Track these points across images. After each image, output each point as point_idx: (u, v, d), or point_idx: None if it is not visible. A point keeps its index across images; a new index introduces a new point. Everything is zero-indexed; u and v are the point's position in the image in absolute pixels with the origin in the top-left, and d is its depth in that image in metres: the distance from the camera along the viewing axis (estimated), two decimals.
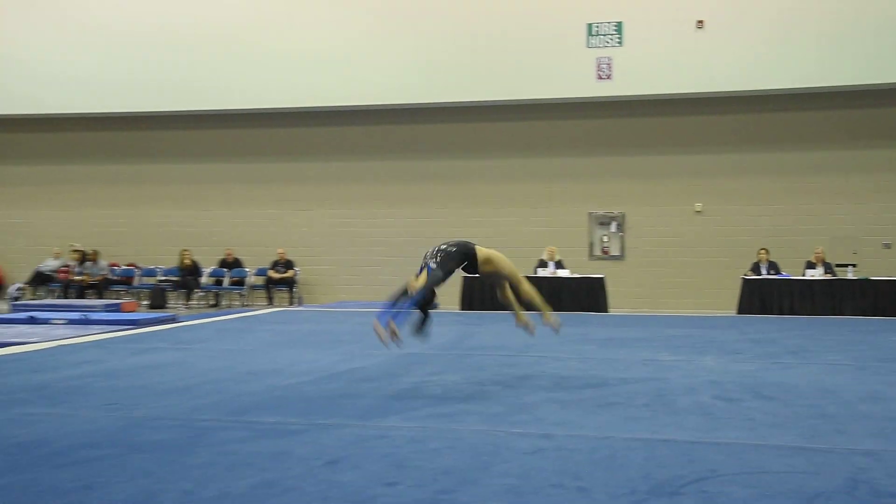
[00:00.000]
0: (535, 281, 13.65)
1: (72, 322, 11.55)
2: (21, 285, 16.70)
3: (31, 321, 11.74)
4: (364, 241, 16.33)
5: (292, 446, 3.89)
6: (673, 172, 15.44)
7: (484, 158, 15.92)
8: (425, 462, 3.61)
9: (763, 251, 13.71)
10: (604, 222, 15.76)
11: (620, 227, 15.66)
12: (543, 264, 14.09)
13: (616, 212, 15.64)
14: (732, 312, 13.26)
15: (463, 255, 6.01)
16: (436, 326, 10.32)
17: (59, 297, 16.18)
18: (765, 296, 13.10)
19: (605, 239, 15.75)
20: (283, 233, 16.58)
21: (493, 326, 10.46)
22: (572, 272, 14.00)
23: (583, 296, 13.52)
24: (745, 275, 13.46)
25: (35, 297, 16.46)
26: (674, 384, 5.85)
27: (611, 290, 13.74)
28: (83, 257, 16.70)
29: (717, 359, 7.30)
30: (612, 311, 13.50)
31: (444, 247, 5.99)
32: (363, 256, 16.34)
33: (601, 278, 13.70)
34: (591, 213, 15.72)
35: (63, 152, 17.54)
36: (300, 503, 3.00)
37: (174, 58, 16.10)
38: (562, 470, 3.48)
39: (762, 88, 14.38)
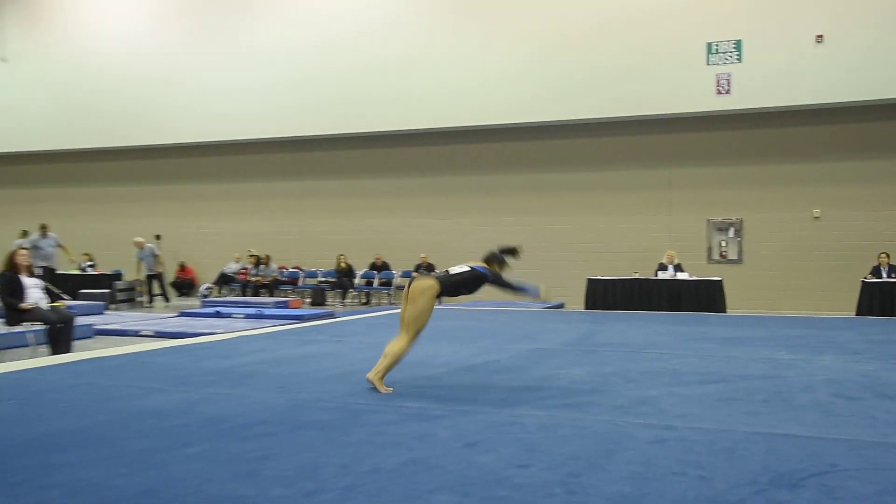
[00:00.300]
0: (656, 284, 13.33)
1: (248, 316, 12.09)
2: (209, 285, 17.57)
3: (217, 315, 12.37)
4: (494, 245, 16.34)
5: (435, 429, 3.93)
6: (791, 180, 14.71)
7: (606, 170, 15.65)
8: (554, 447, 3.58)
9: (884, 255, 12.86)
10: (722, 228, 15.19)
11: (738, 233, 15.05)
12: (663, 267, 13.70)
13: (734, 218, 15.04)
14: (851, 315, 12.50)
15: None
16: (562, 324, 10.27)
17: (238, 295, 16.94)
18: (885, 298, 12.26)
19: (723, 244, 15.17)
20: (425, 239, 16.79)
21: (616, 325, 10.24)
22: (691, 275, 13.56)
23: (701, 297, 13.06)
24: (865, 278, 12.67)
25: (220, 294, 17.27)
26: (792, 382, 5.56)
27: (729, 291, 13.20)
28: (258, 261, 17.42)
29: (836, 358, 6.87)
30: (730, 312, 12.99)
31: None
32: None
33: (719, 281, 13.19)
34: (709, 220, 15.18)
35: (242, 172, 18.38)
36: (443, 480, 3.03)
37: (331, 86, 16.61)
38: (683, 459, 3.37)
39: (879, 98, 13.53)
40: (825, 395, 5.00)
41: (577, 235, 15.79)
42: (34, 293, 7.88)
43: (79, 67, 19.33)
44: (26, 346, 8.17)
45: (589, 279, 13.79)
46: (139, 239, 16.40)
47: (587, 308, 13.49)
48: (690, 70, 14.35)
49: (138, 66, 18.63)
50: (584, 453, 3.46)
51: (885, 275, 12.66)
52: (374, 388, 5.04)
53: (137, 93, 18.58)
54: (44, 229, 15.19)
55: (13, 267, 7.84)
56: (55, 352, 7.68)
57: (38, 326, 7.96)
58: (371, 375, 5.14)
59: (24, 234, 16.51)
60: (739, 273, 14.69)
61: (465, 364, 6.44)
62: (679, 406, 4.62)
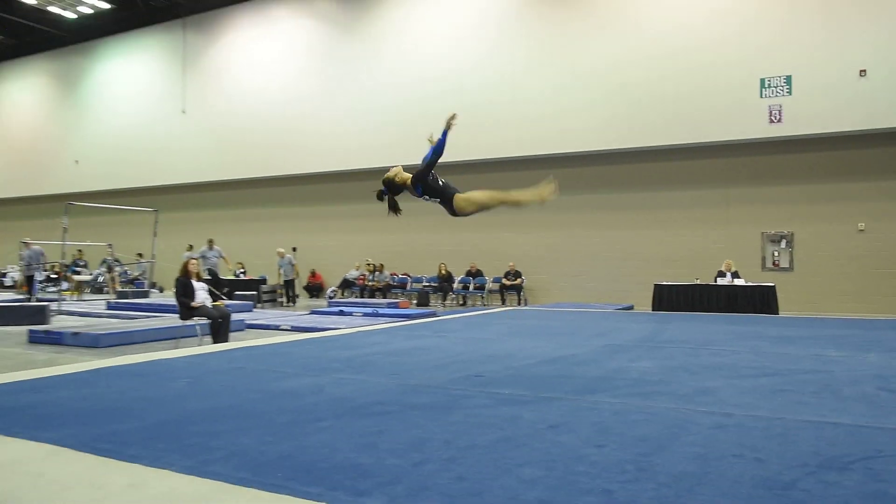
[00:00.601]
0: (715, 288, 12.86)
1: (366, 315, 12.32)
2: (334, 289, 18.02)
3: (341, 313, 12.65)
4: (573, 256, 16.15)
5: (522, 412, 3.90)
6: (837, 197, 13.96)
7: (671, 190, 15.25)
8: (626, 430, 3.49)
9: None
10: (774, 240, 14.54)
11: (790, 244, 14.37)
12: (722, 274, 13.20)
13: (786, 231, 14.38)
14: (894, 317, 11.72)
15: (442, 194, 5.21)
16: (632, 323, 10.03)
17: (357, 297, 17.28)
18: None
19: (776, 254, 14.51)
20: (513, 250, 16.74)
21: (679, 324, 9.92)
22: (747, 281, 13.01)
23: (756, 301, 12.52)
24: None
25: (342, 296, 17.69)
26: (839, 376, 5.24)
27: (781, 296, 12.60)
28: (374, 269, 17.75)
29: (881, 356, 6.44)
30: (782, 314, 12.39)
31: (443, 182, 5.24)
32: (573, 268, 16.16)
33: (772, 286, 12.61)
34: (763, 232, 14.56)
35: (360, 195, 18.71)
36: (530, 456, 3.01)
37: (431, 121, 16.77)
38: (741, 443, 3.24)
39: None
40: (871, 388, 4.70)
41: (645, 247, 15.42)
42: (201, 294, 8.26)
43: (235, 115, 20.29)
44: (195, 336, 8.59)
45: (656, 284, 13.43)
46: (280, 249, 16.97)
47: (654, 310, 13.14)
48: (745, 102, 13.90)
49: (279, 112, 19.39)
50: (652, 436, 3.37)
51: None
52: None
53: (279, 133, 19.32)
54: (210, 243, 15.93)
55: (187, 273, 8.25)
56: (216, 341, 8.02)
57: (204, 321, 8.33)
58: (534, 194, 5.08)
59: (190, 247, 17.34)
60: (791, 280, 14.04)
61: (547, 357, 6.37)
62: (737, 396, 4.44)
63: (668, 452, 3.07)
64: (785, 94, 13.59)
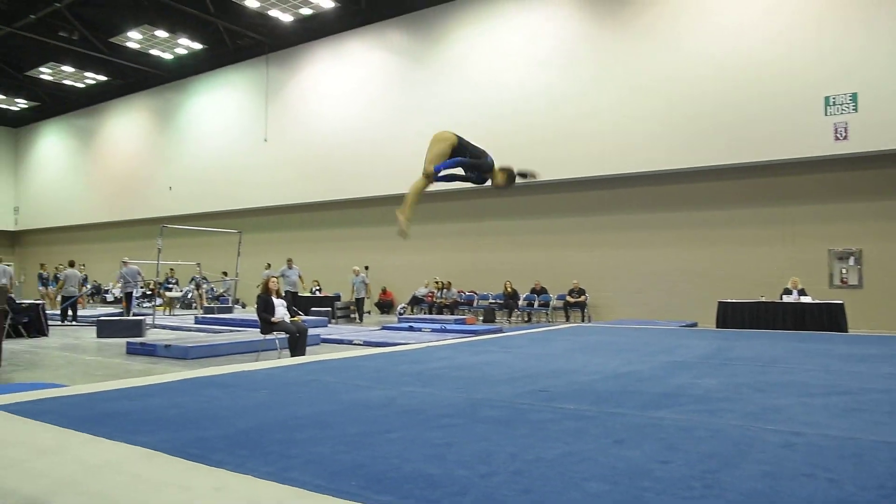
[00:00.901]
0: (781, 306, 12.31)
1: (434, 330, 12.34)
2: (404, 305, 18.16)
3: (410, 329, 12.72)
4: (636, 273, 15.78)
5: (587, 427, 3.81)
6: None
7: (733, 208, 14.74)
8: (691, 447, 3.36)
9: None
10: (842, 257, 13.83)
11: (858, 261, 13.64)
12: (788, 292, 12.64)
13: (854, 248, 13.66)
14: None
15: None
16: (696, 340, 9.69)
17: (426, 314, 17.36)
18: None
19: (844, 271, 13.79)
20: (576, 268, 16.51)
21: (745, 342, 9.52)
22: (814, 298, 12.41)
23: (824, 318, 11.91)
24: None
25: (412, 313, 17.79)
26: None
27: (850, 314, 11.96)
28: (441, 286, 17.81)
29: None
30: (852, 332, 11.74)
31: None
32: (636, 285, 15.79)
33: (841, 304, 11.99)
34: (830, 250, 13.88)
35: (431, 217, 18.94)
36: (595, 470, 2.93)
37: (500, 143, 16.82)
38: (812, 462, 3.06)
39: None
40: None
41: (709, 264, 14.93)
42: (280, 310, 8.45)
43: (312, 143, 20.87)
44: (275, 349, 8.79)
45: (720, 302, 12.98)
46: (356, 268, 17.25)
47: (718, 327, 12.68)
48: (810, 120, 13.34)
49: (353, 139, 19.83)
50: (718, 453, 3.23)
51: None
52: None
53: (352, 159, 19.74)
54: (290, 262, 16.36)
55: (267, 291, 8.47)
56: (293, 355, 8.18)
57: (283, 335, 8.52)
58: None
59: (269, 266, 17.79)
60: (860, 297, 13.31)
61: (612, 373, 6.21)
62: (807, 414, 4.21)
63: (736, 470, 2.93)
64: (850, 111, 12.99)
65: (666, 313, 15.18)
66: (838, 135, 13.08)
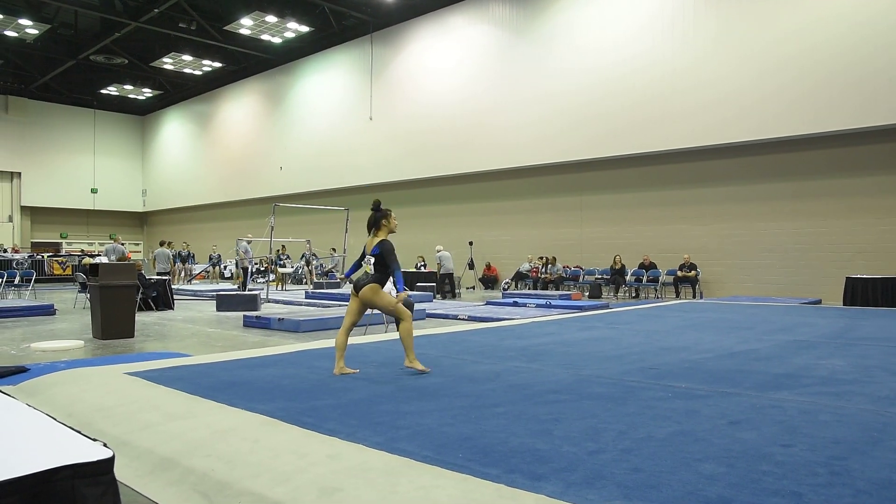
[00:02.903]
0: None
1: (539, 306, 12.28)
2: (508, 280, 18.16)
3: (514, 304, 12.71)
4: (752, 248, 14.92)
5: (700, 407, 3.69)
6: None
7: (860, 176, 13.42)
8: (816, 431, 3.17)
9: None
10: None
11: None
12: None
13: None
14: None
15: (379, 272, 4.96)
16: (819, 318, 9.08)
17: (531, 289, 17.28)
18: None
19: None
20: (688, 242, 15.84)
21: (876, 320, 8.84)
22: None
23: None
24: None
25: (516, 288, 17.76)
26: None
27: None
28: (546, 261, 17.65)
29: None
30: None
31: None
32: (751, 260, 14.95)
33: None
34: None
35: (525, 192, 18.75)
36: (709, 451, 2.83)
37: (602, 118, 16.37)
38: None
39: None
40: None
41: (833, 237, 13.87)
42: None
43: (416, 120, 21.10)
44: (381, 323, 9.05)
45: (848, 277, 12.10)
46: (439, 247, 17.47)
47: (845, 305, 11.83)
48: None
49: (457, 114, 19.87)
50: (847, 438, 3.03)
51: None
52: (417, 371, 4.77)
53: (456, 134, 19.81)
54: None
55: None
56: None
57: None
58: (406, 364, 4.83)
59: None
60: None
61: (726, 351, 5.96)
62: None
63: (867, 458, 2.74)
64: None
65: (785, 290, 14.30)
66: None
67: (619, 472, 2.54)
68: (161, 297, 12.65)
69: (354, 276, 5.20)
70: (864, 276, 12.02)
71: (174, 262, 22.25)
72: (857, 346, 6.29)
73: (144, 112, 34.53)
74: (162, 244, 19.12)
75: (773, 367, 5.12)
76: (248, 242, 18.17)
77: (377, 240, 4.92)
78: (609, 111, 16.39)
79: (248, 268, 17.46)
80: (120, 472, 2.66)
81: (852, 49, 13.02)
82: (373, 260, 4.91)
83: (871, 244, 13.41)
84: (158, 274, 16.68)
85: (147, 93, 31.28)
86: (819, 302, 12.91)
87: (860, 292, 11.79)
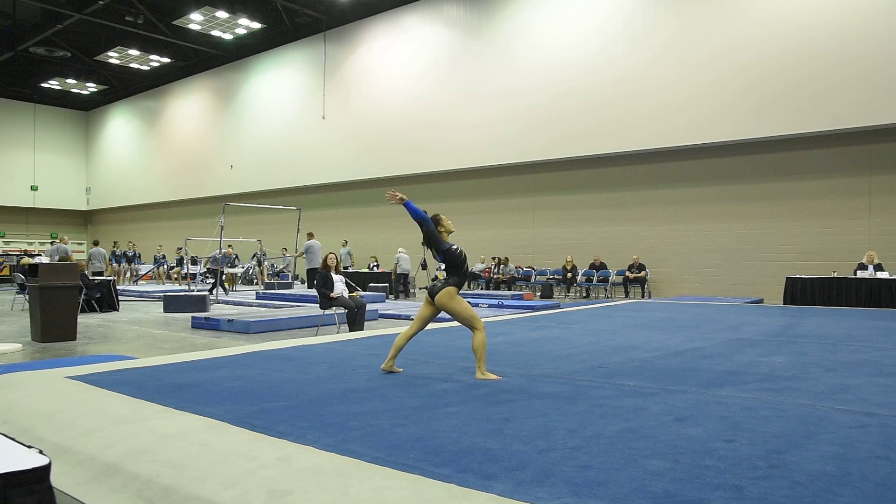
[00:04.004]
0: (854, 282, 11.82)
1: (491, 306, 12.35)
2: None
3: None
4: (698, 249, 15.35)
5: (648, 404, 3.77)
6: None
7: (803, 180, 14.07)
8: (757, 426, 3.28)
9: None
10: None
11: None
12: (863, 267, 12.09)
13: None
14: None
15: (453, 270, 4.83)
16: (762, 317, 9.40)
17: (483, 289, 17.38)
18: None
19: None
20: (637, 243, 16.18)
21: (814, 319, 9.19)
22: (891, 274, 11.84)
23: None
24: None
25: (469, 289, 17.81)
26: None
27: None
28: (499, 262, 17.78)
29: None
30: None
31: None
32: (698, 261, 15.37)
33: None
34: None
35: (482, 191, 18.86)
36: (656, 447, 2.90)
37: (554, 119, 16.59)
38: (886, 444, 2.94)
39: None
40: None
41: (775, 239, 14.37)
42: (339, 286, 8.60)
43: (370, 119, 21.00)
44: (334, 324, 8.97)
45: (788, 277, 12.55)
46: (402, 249, 17.42)
47: (785, 304, 12.27)
48: (892, 85, 12.55)
49: (411, 114, 19.84)
50: (785, 433, 3.14)
51: None
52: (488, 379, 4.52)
53: (411, 135, 19.79)
54: (344, 243, 16.61)
55: (327, 267, 8.62)
56: (352, 329, 8.33)
57: (341, 310, 8.68)
58: (478, 375, 4.58)
59: (345, 243, 18.07)
60: None
61: (673, 350, 6.11)
62: (881, 395, 4.05)
63: (804, 451, 2.85)
64: None
65: (730, 290, 14.75)
66: None
67: (568, 470, 2.58)
68: (105, 299, 12.27)
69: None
70: (803, 277, 12.48)
71: (119, 263, 21.62)
72: (796, 344, 6.53)
73: (88, 107, 33.41)
74: (96, 244, 18.65)
75: (717, 364, 5.27)
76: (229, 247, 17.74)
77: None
78: (562, 113, 16.62)
79: (223, 271, 17.09)
80: (59, 480, 2.57)
81: (796, 57, 13.52)
82: (443, 266, 4.80)
83: (809, 246, 13.95)
84: (93, 274, 16.15)
85: (91, 87, 30.29)
86: (761, 301, 13.35)
87: (799, 292, 12.23)
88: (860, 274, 11.95)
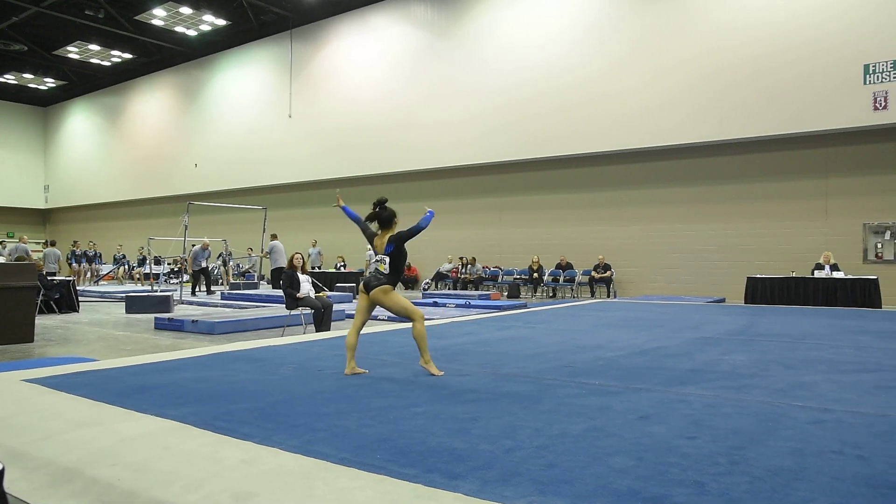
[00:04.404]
0: (812, 281, 12.13)
1: (458, 306, 12.38)
2: (428, 281, 18.22)
3: (435, 304, 12.77)
4: (662, 249, 15.60)
5: (613, 403, 3.82)
6: None
7: (764, 181, 14.40)
8: (718, 423, 3.35)
9: None
10: (878, 231, 13.49)
11: (894, 235, 13.31)
12: (820, 267, 12.42)
13: (890, 222, 13.33)
14: None
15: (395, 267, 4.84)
16: (724, 316, 9.59)
17: (451, 289, 17.40)
18: None
19: (879, 245, 13.47)
20: (603, 243, 16.37)
21: (774, 318, 9.41)
22: (846, 274, 12.20)
23: (857, 294, 11.71)
24: None
25: (436, 288, 17.85)
26: None
27: (885, 289, 11.74)
28: (466, 262, 17.81)
29: None
30: (886, 308, 11.53)
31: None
32: (662, 261, 15.63)
33: (875, 279, 11.76)
34: (865, 224, 13.55)
35: (453, 192, 18.88)
36: (620, 445, 2.94)
37: (524, 121, 16.70)
38: (841, 439, 3.03)
39: None
40: None
41: (737, 240, 14.70)
42: (305, 286, 8.53)
43: (337, 119, 20.88)
44: (300, 324, 8.89)
45: (749, 277, 12.83)
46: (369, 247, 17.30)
47: (746, 303, 12.54)
48: (848, 89, 12.94)
49: (378, 114, 19.78)
50: (745, 429, 3.22)
51: None
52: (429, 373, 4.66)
53: (377, 134, 19.72)
54: (314, 243, 16.49)
55: (293, 267, 8.54)
56: (318, 330, 8.27)
57: (308, 311, 8.61)
58: (422, 363, 4.73)
59: (315, 243, 17.90)
60: (895, 273, 13.01)
61: (637, 349, 6.19)
62: (836, 391, 4.17)
63: (763, 446, 2.92)
64: (891, 79, 12.57)
65: (693, 289, 15.02)
66: (878, 104, 12.69)
67: (534, 469, 2.60)
68: (64, 299, 11.98)
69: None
70: (763, 276, 12.77)
71: (79, 263, 21.13)
72: (756, 342, 6.67)
73: (47, 103, 32.54)
74: (53, 244, 18.27)
75: (681, 363, 5.36)
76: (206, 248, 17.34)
77: (387, 237, 4.75)
78: (529, 114, 16.74)
79: (206, 267, 16.76)
80: (15, 486, 2.51)
81: (757, 63, 13.84)
82: (388, 259, 4.74)
83: (769, 246, 14.30)
84: (47, 275, 15.76)
85: (50, 83, 29.51)
86: (723, 300, 13.62)
87: (760, 291, 12.52)
88: (817, 274, 12.27)
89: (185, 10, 21.13)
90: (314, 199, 22.21)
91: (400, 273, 4.83)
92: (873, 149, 13.40)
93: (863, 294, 11.63)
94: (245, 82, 23.92)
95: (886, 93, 12.61)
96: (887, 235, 13.38)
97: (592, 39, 15.99)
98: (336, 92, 20.98)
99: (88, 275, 21.21)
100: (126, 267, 22.99)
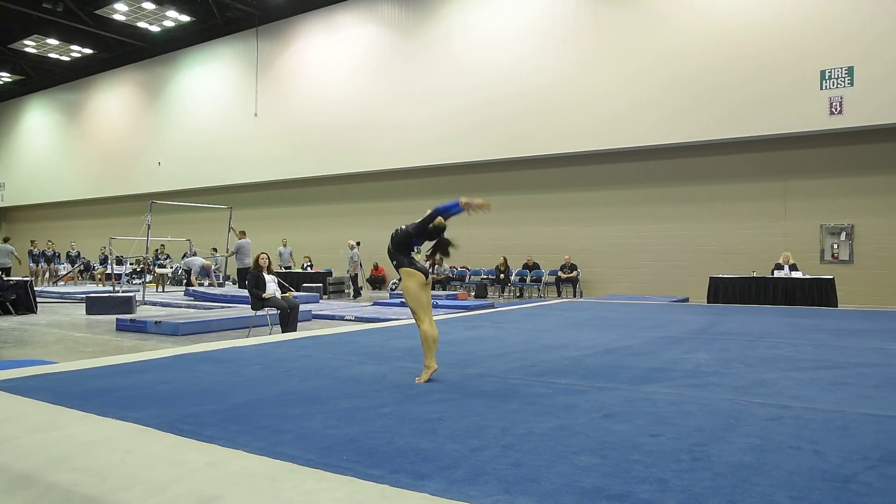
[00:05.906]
0: (772, 281, 12.41)
1: None
2: (396, 281, 18.16)
3: (402, 305, 12.72)
4: (627, 249, 15.83)
5: (578, 402, 3.85)
6: None
7: (725, 183, 14.72)
8: (681, 420, 3.41)
9: None
10: (834, 232, 13.88)
11: (850, 236, 13.70)
12: (779, 267, 12.72)
13: (846, 223, 13.72)
14: None
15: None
16: (687, 315, 9.75)
17: None
18: None
19: (835, 246, 13.86)
20: (569, 243, 16.53)
21: (735, 317, 9.60)
22: (805, 274, 12.51)
23: (814, 294, 12.01)
24: None
25: None
26: None
27: (840, 289, 12.07)
28: (433, 262, 17.76)
29: None
30: (842, 307, 11.86)
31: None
32: (626, 261, 15.86)
33: (831, 279, 12.08)
34: (822, 225, 13.92)
35: (411, 191, 18.86)
36: (585, 444, 2.97)
37: (492, 121, 16.77)
38: (799, 435, 3.11)
39: None
40: None
41: (700, 240, 14.99)
42: (271, 286, 8.45)
43: (303, 117, 20.71)
44: (266, 325, 8.80)
45: (711, 277, 13.07)
46: (351, 241, 17.16)
47: (709, 303, 12.77)
48: (805, 94, 13.29)
49: (345, 113, 19.68)
50: (707, 426, 3.28)
51: None
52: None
53: (345, 133, 19.62)
54: (284, 243, 16.36)
55: (258, 267, 8.45)
56: (285, 330, 8.20)
57: (274, 311, 8.53)
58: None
59: (284, 243, 17.80)
60: (851, 272, 13.41)
61: (603, 348, 6.26)
62: (794, 388, 4.27)
63: (724, 443, 2.98)
64: (846, 85, 12.95)
65: (657, 289, 15.27)
66: (833, 109, 13.06)
67: (500, 468, 2.61)
68: (21, 300, 11.66)
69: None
70: (725, 276, 13.03)
71: (37, 262, 20.58)
72: (718, 341, 6.80)
73: (2, 98, 31.62)
74: (6, 240, 17.83)
75: (645, 361, 5.44)
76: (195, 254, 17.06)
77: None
78: (496, 115, 16.82)
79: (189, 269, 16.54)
80: None
81: (718, 67, 14.14)
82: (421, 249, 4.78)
83: (730, 246, 14.61)
84: (2, 271, 15.32)
85: (5, 77, 28.71)
86: (686, 300, 13.86)
87: (721, 290, 12.76)
88: (777, 273, 12.56)
89: (148, 6, 20.75)
90: (281, 199, 22.00)
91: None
92: (830, 152, 13.79)
93: (820, 293, 11.94)
94: (210, 80, 23.57)
95: (842, 98, 12.98)
96: (843, 236, 13.77)
97: (556, 43, 16.16)
98: (303, 90, 20.81)
99: (47, 275, 20.67)
100: (80, 265, 22.45)
